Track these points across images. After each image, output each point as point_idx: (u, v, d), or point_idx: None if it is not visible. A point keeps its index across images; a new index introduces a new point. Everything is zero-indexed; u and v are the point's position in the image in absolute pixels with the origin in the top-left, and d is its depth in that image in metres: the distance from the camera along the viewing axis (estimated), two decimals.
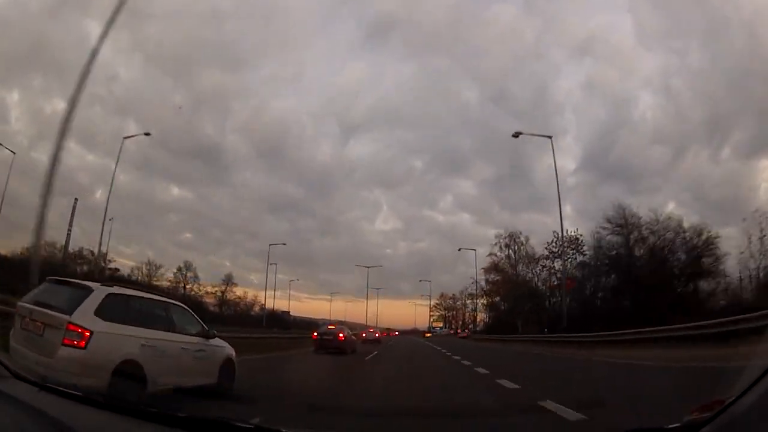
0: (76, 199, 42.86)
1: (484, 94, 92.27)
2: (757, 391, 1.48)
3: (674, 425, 1.75)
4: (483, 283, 56.85)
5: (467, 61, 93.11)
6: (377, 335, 37.87)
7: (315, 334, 21.74)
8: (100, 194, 63.37)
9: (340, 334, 20.89)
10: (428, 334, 76.30)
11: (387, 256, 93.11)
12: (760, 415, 1.44)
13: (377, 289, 75.08)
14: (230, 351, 7.54)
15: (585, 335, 22.58)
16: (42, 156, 57.63)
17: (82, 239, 55.25)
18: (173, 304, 6.99)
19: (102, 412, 2.23)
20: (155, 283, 49.34)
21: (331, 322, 44.71)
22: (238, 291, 61.22)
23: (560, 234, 33.87)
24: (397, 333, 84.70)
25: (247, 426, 2.07)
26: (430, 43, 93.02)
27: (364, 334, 36.23)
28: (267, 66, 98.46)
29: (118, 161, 34.13)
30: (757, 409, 1.44)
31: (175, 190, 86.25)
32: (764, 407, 1.43)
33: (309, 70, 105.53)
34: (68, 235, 40.19)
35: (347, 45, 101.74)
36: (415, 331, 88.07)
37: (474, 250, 56.49)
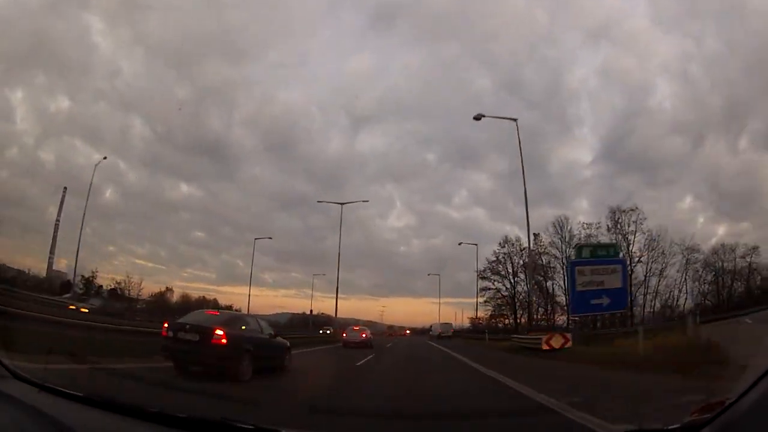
0: (65, 189, 41.82)
1: (497, 82, 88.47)
2: (757, 392, 1.48)
3: (675, 426, 1.76)
4: None
5: (478, 47, 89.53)
6: (364, 336, 26.06)
7: (166, 327, 9.24)
8: (109, 193, 63.89)
9: (217, 332, 8.51)
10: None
11: (401, 254, 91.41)
12: (760, 415, 1.44)
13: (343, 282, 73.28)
14: None
15: None
16: (48, 155, 58.08)
17: (93, 239, 54.99)
18: None
19: (102, 412, 2.23)
20: None
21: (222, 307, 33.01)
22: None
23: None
24: (407, 332, 75.06)
25: (247, 426, 2.07)
26: (438, 28, 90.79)
27: (345, 335, 26.88)
28: (271, 56, 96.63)
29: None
30: (757, 410, 1.44)
31: (184, 188, 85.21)
32: (764, 408, 1.43)
33: (315, 59, 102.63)
34: (56, 226, 39.34)
35: (353, 32, 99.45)
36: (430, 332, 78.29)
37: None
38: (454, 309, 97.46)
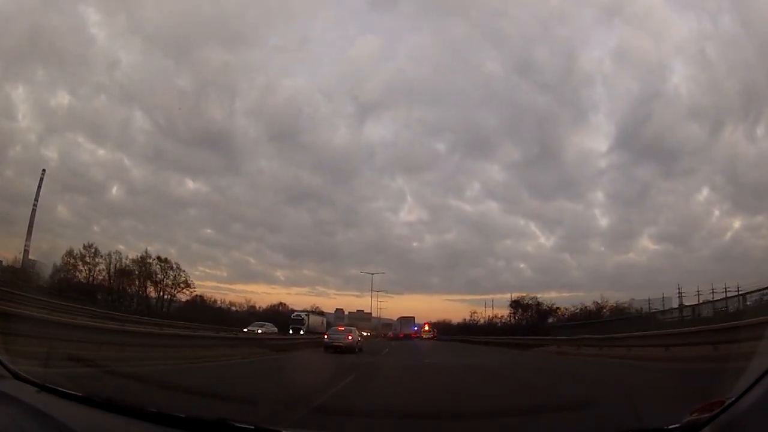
0: (43, 170, 40.21)
1: (508, 64, 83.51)
2: (757, 391, 1.48)
3: (674, 425, 1.76)
4: None
5: (488, 25, 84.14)
6: (350, 338, 21.47)
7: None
8: (115, 190, 63.63)
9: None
10: None
11: (414, 250, 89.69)
12: (760, 415, 1.44)
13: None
14: None
15: None
16: (52, 153, 57.77)
17: (102, 238, 54.51)
18: None
19: (102, 412, 2.23)
20: None
21: None
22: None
23: None
24: (427, 332, 55.11)
25: (247, 426, 2.08)
26: (445, 5, 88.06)
27: (326, 336, 22.12)
28: (272, 40, 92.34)
29: None
30: (757, 410, 1.44)
31: (191, 184, 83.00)
32: (764, 408, 1.43)
33: (317, 43, 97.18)
34: (33, 210, 37.68)
35: (356, 12, 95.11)
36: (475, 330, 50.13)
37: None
38: (470, 306, 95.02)
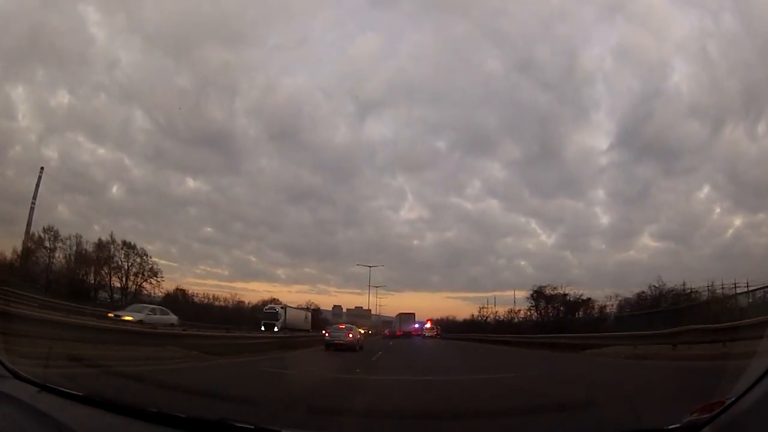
0: (41, 169, 39.92)
1: (509, 62, 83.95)
2: (757, 392, 1.48)
3: (674, 425, 1.76)
4: None
5: (488, 23, 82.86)
6: (350, 336, 21.81)
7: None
8: (116, 190, 63.47)
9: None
10: None
11: (415, 248, 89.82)
12: (760, 415, 1.44)
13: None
14: None
15: None
16: (52, 153, 57.54)
17: (103, 236, 54.10)
18: None
19: (102, 412, 2.23)
20: None
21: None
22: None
23: None
24: (429, 328, 55.57)
25: (247, 426, 2.08)
26: (445, 3, 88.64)
27: (327, 334, 22.46)
28: (272, 39, 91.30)
29: None
30: (757, 410, 1.44)
31: (191, 183, 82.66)
32: (764, 408, 1.43)
33: (317, 42, 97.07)
34: (31, 209, 37.60)
35: (356, 10, 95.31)
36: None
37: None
38: (472, 304, 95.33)
